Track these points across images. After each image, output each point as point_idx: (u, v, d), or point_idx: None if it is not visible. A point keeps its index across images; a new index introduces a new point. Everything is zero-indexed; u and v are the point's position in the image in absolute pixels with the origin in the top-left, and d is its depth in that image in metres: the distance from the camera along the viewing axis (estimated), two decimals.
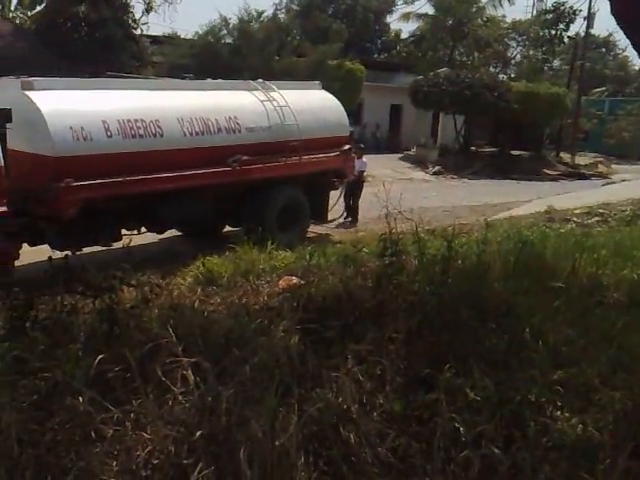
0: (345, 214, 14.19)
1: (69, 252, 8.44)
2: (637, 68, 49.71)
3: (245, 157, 10.19)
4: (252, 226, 8.86)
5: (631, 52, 54.32)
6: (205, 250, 8.40)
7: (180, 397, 2.76)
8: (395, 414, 3.07)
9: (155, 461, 2.48)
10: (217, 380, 3.02)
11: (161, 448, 2.51)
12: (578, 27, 42.99)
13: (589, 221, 11.88)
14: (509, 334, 3.89)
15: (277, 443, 2.55)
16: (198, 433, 2.54)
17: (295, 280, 5.97)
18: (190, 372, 2.90)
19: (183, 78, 11.98)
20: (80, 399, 2.69)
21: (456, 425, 2.78)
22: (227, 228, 11.93)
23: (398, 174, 22.50)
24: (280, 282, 6.16)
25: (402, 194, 14.73)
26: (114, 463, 2.48)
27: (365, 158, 14.89)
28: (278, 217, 10.90)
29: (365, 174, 14.83)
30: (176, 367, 2.93)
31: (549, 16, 37.35)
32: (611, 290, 5.37)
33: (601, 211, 12.98)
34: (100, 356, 2.91)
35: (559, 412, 3.18)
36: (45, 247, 8.51)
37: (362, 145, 15.99)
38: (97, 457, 2.48)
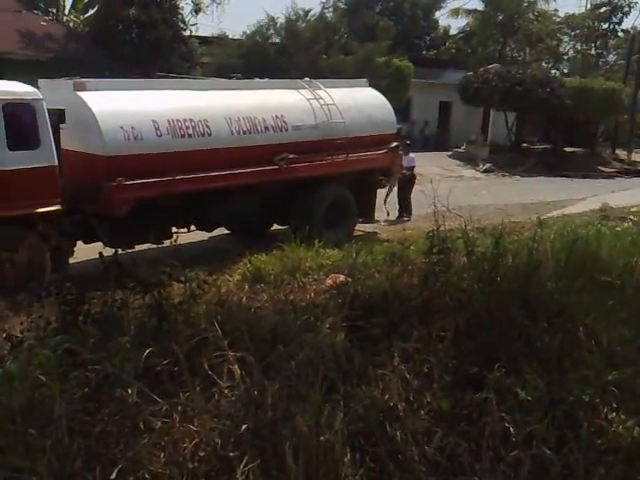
0: (399, 211, 14.22)
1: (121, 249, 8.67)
2: None
3: (292, 155, 10.22)
4: (299, 224, 8.88)
5: None
6: (253, 248, 8.46)
7: (226, 391, 2.77)
8: (443, 412, 3.02)
9: (202, 453, 2.50)
10: (263, 375, 3.02)
11: (207, 441, 2.53)
12: (633, 20, 41.68)
13: None
14: (561, 333, 3.79)
15: (322, 439, 2.53)
16: (244, 427, 2.54)
17: (342, 278, 5.95)
18: (236, 366, 2.91)
19: (230, 78, 12.09)
20: (129, 391, 2.73)
21: (506, 425, 2.72)
22: (275, 226, 12.03)
23: (447, 172, 22.22)
24: (327, 280, 6.15)
25: (451, 192, 14.61)
26: (162, 455, 2.51)
27: (413, 154, 14.83)
28: (325, 215, 10.90)
29: (415, 170, 14.77)
30: (222, 361, 2.95)
31: (603, 9, 36.35)
32: None
33: None
34: (148, 349, 2.94)
35: (614, 414, 3.07)
36: (100, 245, 8.71)
37: (408, 141, 15.92)
38: (145, 448, 2.51)
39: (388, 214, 13.61)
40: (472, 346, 3.76)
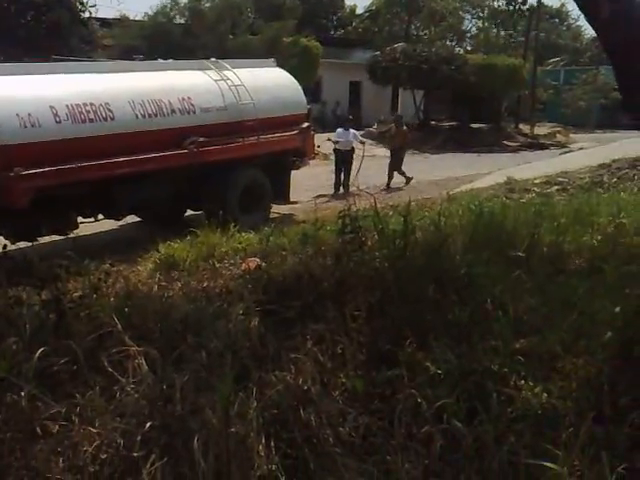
0: (336, 189, 14.50)
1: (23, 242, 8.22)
2: (590, 37, 50.22)
3: (201, 138, 9.97)
4: (213, 209, 8.70)
5: (584, 22, 54.76)
6: (166, 235, 8.23)
7: (129, 388, 2.64)
8: (356, 392, 3.01)
9: (103, 456, 2.37)
10: (173, 368, 2.91)
11: (109, 442, 2.40)
12: None
13: (549, 190, 11.96)
14: (470, 306, 3.86)
15: (233, 430, 2.46)
16: (149, 424, 2.43)
17: (259, 262, 5.88)
18: (142, 361, 2.78)
19: (133, 59, 11.65)
20: (22, 394, 2.56)
21: (417, 400, 2.73)
22: (189, 212, 11.76)
23: (360, 151, 22.36)
24: (243, 264, 6.05)
25: (364, 171, 14.80)
26: (60, 460, 2.36)
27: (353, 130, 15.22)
28: (239, 199, 10.74)
29: (355, 146, 15.10)
30: (126, 357, 2.81)
31: None
32: (572, 257, 5.38)
33: (560, 180, 13.09)
34: (42, 349, 2.77)
35: (523, 382, 3.14)
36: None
37: (351, 116, 16.71)
38: (42, 454, 2.36)
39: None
40: (385, 323, 3.77)
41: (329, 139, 15.48)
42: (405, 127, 16.62)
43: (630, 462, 2.64)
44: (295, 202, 12.67)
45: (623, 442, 2.75)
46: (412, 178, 15.59)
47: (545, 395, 2.99)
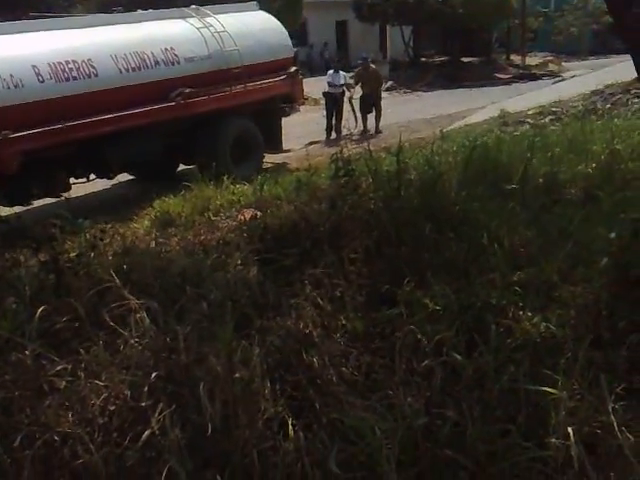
0: (328, 133, 14.39)
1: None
2: None
3: (188, 90, 9.83)
4: (205, 162, 8.65)
5: None
6: (160, 192, 8.20)
7: (133, 341, 2.68)
8: (357, 333, 3.05)
9: (112, 407, 2.42)
10: (174, 319, 2.94)
11: (117, 394, 2.45)
12: None
13: (543, 121, 11.86)
14: (467, 241, 3.87)
15: (237, 375, 2.50)
16: (154, 375, 2.47)
17: (254, 212, 5.88)
18: (144, 314, 2.81)
19: (112, 12, 11.36)
20: (27, 353, 2.59)
21: (417, 337, 2.77)
22: (181, 166, 11.69)
23: (349, 93, 22.07)
24: (239, 216, 6.05)
25: (349, 113, 14.59)
26: (69, 414, 2.41)
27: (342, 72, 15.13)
28: (231, 150, 10.66)
29: (344, 88, 14.85)
30: (126, 311, 2.84)
31: None
32: (567, 187, 5.37)
33: (554, 109, 12.95)
34: (42, 308, 2.79)
35: (521, 312, 3.18)
36: None
37: (337, 59, 16.35)
38: (50, 410, 2.41)
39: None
40: (383, 265, 3.79)
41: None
42: (373, 65, 16.05)
43: (629, 382, 2.70)
44: (288, 150, 12.58)
45: (622, 364, 2.81)
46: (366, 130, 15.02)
47: (544, 324, 3.03)
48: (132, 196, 9.43)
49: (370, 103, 15.00)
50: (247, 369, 2.62)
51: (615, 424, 2.38)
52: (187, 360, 2.58)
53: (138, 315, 2.83)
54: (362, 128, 14.73)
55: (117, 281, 3.01)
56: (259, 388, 2.57)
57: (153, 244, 5.22)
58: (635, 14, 3.35)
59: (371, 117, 15.09)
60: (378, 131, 14.83)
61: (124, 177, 11.05)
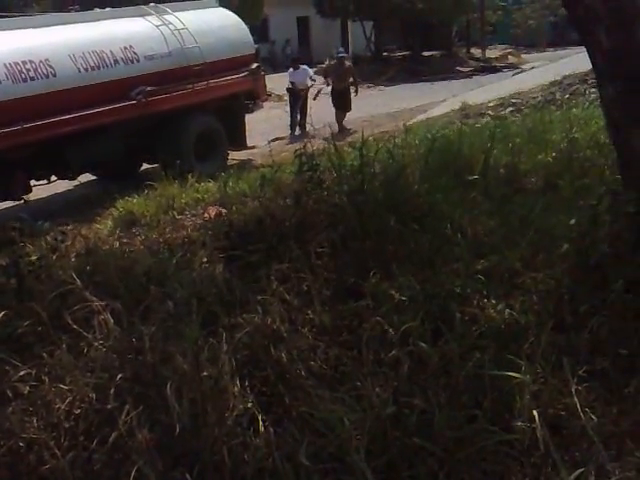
0: (292, 129, 14.32)
1: None
2: None
3: (149, 88, 9.72)
4: (169, 160, 8.56)
5: None
6: (124, 191, 8.09)
7: (97, 343, 2.65)
8: (325, 326, 3.06)
9: (77, 411, 2.39)
10: (139, 320, 2.91)
11: (82, 397, 2.42)
12: None
13: (503, 112, 12.00)
14: (431, 232, 3.91)
15: (205, 373, 2.49)
16: (119, 376, 2.45)
17: (219, 209, 5.84)
18: (108, 316, 2.78)
19: (69, 11, 11.16)
20: None
21: (384, 328, 2.79)
22: (144, 165, 11.56)
23: (314, 89, 22.07)
24: (204, 213, 6.01)
25: (319, 108, 14.64)
26: (34, 420, 2.38)
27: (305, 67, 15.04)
28: (195, 147, 10.58)
29: (310, 84, 14.80)
30: (90, 313, 2.80)
31: None
32: (527, 176, 5.46)
33: (514, 101, 13.12)
34: (3, 312, 2.74)
35: (485, 300, 3.22)
36: None
37: (294, 56, 16.30)
38: (14, 416, 2.37)
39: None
40: (348, 258, 3.81)
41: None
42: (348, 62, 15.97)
43: (591, 364, 2.76)
44: (252, 147, 12.52)
45: (584, 347, 2.87)
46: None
47: (507, 311, 3.08)
48: (95, 197, 9.29)
49: (345, 98, 14.95)
50: (215, 367, 2.61)
51: (578, 406, 2.43)
52: (153, 360, 2.56)
53: (102, 317, 2.80)
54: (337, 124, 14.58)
55: (79, 283, 2.97)
56: (227, 385, 2.56)
57: (116, 244, 5.17)
58: (586, 5, 3.40)
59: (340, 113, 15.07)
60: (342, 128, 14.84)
61: (87, 177, 10.89)
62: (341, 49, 16.15)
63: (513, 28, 34.96)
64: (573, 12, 3.56)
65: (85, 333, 2.72)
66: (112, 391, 2.42)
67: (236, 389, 2.61)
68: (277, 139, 13.75)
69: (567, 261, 3.45)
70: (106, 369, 2.53)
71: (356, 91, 15.09)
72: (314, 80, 15.04)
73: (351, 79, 15.04)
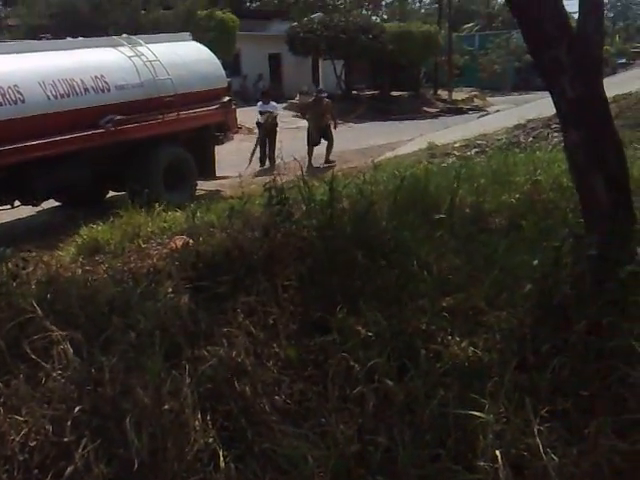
0: (262, 162, 14.37)
1: None
2: (501, 2, 51.29)
3: (118, 117, 9.70)
4: (136, 188, 8.50)
5: None
6: (88, 219, 7.98)
7: (55, 374, 2.58)
8: (290, 361, 3.04)
9: (32, 443, 2.31)
10: (100, 350, 2.85)
11: (38, 429, 2.35)
12: None
13: (469, 153, 12.26)
14: (398, 269, 3.93)
15: (166, 407, 2.44)
16: (77, 408, 2.38)
17: (186, 239, 5.79)
18: (68, 346, 2.71)
19: (40, 39, 11.13)
20: None
21: (350, 363, 2.78)
22: (111, 193, 11.45)
23: (285, 123, 22.23)
24: (171, 243, 5.95)
25: (289, 143, 14.76)
26: None
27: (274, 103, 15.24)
28: (163, 177, 10.56)
29: (277, 117, 14.96)
30: (49, 342, 2.73)
31: None
32: (492, 216, 5.55)
33: (479, 142, 13.42)
34: None
35: (450, 337, 3.24)
36: None
37: (263, 91, 16.46)
38: None
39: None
40: (316, 292, 3.80)
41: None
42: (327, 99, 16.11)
43: (553, 404, 2.78)
44: (223, 177, 12.53)
45: (545, 387, 2.89)
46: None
47: (471, 349, 3.10)
48: (58, 223, 9.15)
49: (320, 135, 15.00)
50: (176, 400, 2.56)
51: (540, 446, 2.44)
52: (113, 392, 2.50)
53: (61, 346, 2.73)
54: (307, 161, 14.63)
55: (40, 312, 2.90)
56: (189, 419, 2.51)
57: (79, 272, 5.07)
58: (551, 56, 3.52)
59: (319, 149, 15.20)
60: (328, 161, 14.88)
61: (50, 204, 10.73)
62: (320, 86, 16.42)
63: (479, 72, 36.03)
64: (539, 61, 3.67)
65: (44, 363, 2.65)
66: (69, 423, 2.35)
67: (197, 423, 2.56)
68: (247, 171, 13.78)
69: (530, 301, 3.50)
70: (64, 400, 2.45)
71: (335, 126, 15.25)
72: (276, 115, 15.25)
73: (329, 116, 15.19)
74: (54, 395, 2.49)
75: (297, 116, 24.68)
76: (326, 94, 16.26)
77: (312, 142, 14.96)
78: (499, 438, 2.46)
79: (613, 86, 13.07)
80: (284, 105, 26.97)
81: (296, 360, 3.04)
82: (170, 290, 4.12)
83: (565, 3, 3.65)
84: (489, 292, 3.71)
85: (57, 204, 11.09)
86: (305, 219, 4.75)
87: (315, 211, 4.75)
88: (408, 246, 4.31)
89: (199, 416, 2.58)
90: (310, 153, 14.80)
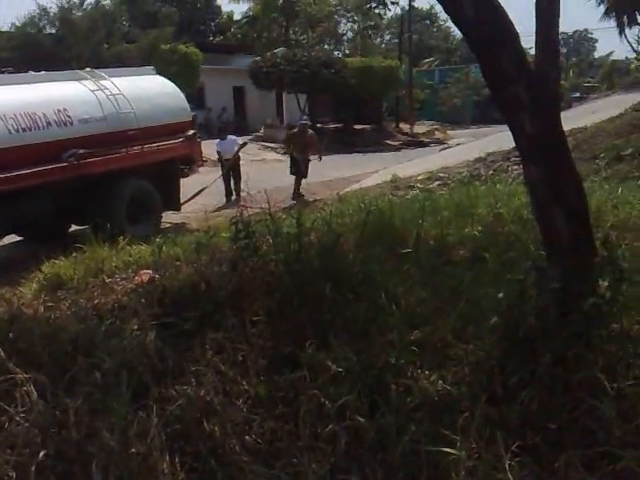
0: (228, 197, 14.34)
1: None
2: (460, 37, 52.74)
3: (81, 151, 9.61)
4: (99, 222, 8.38)
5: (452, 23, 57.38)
6: (50, 253, 7.82)
7: (18, 417, 2.50)
8: (260, 398, 3.00)
9: None
10: (65, 392, 2.78)
11: (1, 476, 2.26)
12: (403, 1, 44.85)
13: (431, 186, 12.46)
14: (366, 302, 3.94)
15: (133, 450, 2.38)
16: (42, 453, 2.31)
17: (152, 274, 5.71)
18: (31, 388, 2.63)
19: (2, 72, 11.02)
20: None
21: (320, 400, 2.76)
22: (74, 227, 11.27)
23: (250, 156, 22.30)
24: (136, 278, 5.86)
25: (255, 175, 14.78)
26: None
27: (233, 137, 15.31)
28: (128, 210, 10.46)
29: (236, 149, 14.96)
30: (11, 385, 2.65)
31: None
32: (456, 248, 5.61)
33: (441, 175, 13.66)
34: None
35: (419, 371, 3.25)
36: None
37: (221, 126, 16.45)
38: None
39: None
40: (285, 326, 3.78)
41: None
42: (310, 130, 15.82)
43: (523, 439, 2.79)
44: (187, 210, 12.49)
45: (515, 421, 2.90)
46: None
47: (440, 382, 3.10)
48: (20, 259, 8.95)
49: (304, 166, 14.95)
50: (144, 442, 2.51)
51: None
52: (78, 436, 2.44)
53: (24, 389, 2.65)
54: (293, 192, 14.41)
55: (1, 352, 2.82)
56: (157, 462, 2.45)
57: (42, 309, 4.95)
58: (511, 92, 3.62)
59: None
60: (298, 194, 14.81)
61: (11, 239, 10.52)
62: (305, 118, 16.44)
63: (439, 105, 36.86)
64: (498, 97, 3.77)
65: (6, 406, 2.57)
66: (33, 469, 2.27)
67: (166, 465, 2.51)
68: (213, 205, 13.75)
69: (496, 333, 3.53)
70: (28, 445, 2.38)
71: (320, 157, 15.13)
72: (244, 144, 15.31)
73: (314, 149, 15.13)
74: (17, 440, 2.41)
75: (261, 149, 24.83)
76: (308, 123, 16.13)
77: (301, 173, 14.81)
78: (471, 475, 2.46)
79: (569, 120, 13.45)
80: (249, 138, 27.13)
81: (266, 398, 3.00)
82: (136, 327, 4.04)
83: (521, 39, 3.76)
84: (456, 324, 3.74)
85: (19, 239, 10.87)
86: (273, 253, 4.74)
87: (282, 245, 4.75)
88: (375, 279, 4.33)
89: (167, 458, 2.53)
90: (299, 184, 14.70)
